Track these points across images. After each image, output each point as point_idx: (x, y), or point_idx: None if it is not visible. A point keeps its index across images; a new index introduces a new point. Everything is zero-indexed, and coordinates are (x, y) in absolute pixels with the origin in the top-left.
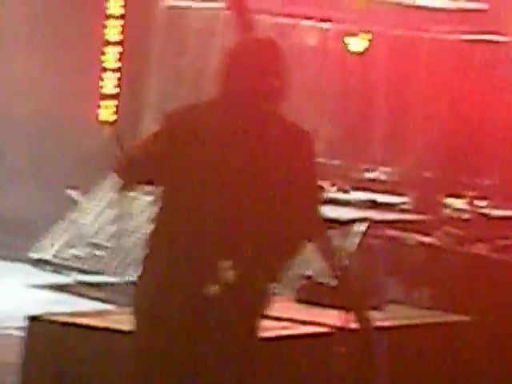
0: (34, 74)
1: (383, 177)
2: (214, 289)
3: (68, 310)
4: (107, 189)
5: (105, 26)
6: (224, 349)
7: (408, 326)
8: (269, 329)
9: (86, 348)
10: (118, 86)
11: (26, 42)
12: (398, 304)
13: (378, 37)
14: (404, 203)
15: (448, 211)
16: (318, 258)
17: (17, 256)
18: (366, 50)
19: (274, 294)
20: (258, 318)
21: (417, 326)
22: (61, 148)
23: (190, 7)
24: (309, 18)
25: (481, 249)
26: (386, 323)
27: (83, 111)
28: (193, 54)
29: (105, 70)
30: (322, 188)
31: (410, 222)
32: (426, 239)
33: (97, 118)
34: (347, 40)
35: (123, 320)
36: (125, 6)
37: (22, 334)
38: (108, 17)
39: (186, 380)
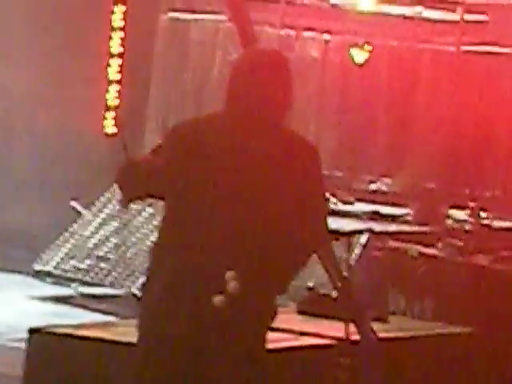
0: (40, 87)
1: (385, 188)
2: (219, 300)
3: (70, 322)
4: (109, 200)
5: (110, 38)
6: (230, 361)
7: (410, 338)
8: (270, 340)
9: (88, 360)
10: (119, 97)
11: (31, 54)
12: (399, 315)
13: (379, 48)
14: (406, 214)
15: (450, 222)
16: (319, 269)
17: (19, 268)
18: (367, 61)
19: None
20: (265, 329)
21: (419, 337)
22: (65, 160)
23: (191, 19)
24: (311, 30)
25: (483, 260)
26: (388, 335)
27: (88, 123)
28: (194, 66)
29: (111, 82)
30: (328, 200)
31: (412, 233)
32: (428, 250)
33: (102, 129)
34: (349, 51)
35: (126, 332)
36: (125, 19)
37: (23, 346)
38: (112, 29)
39: None
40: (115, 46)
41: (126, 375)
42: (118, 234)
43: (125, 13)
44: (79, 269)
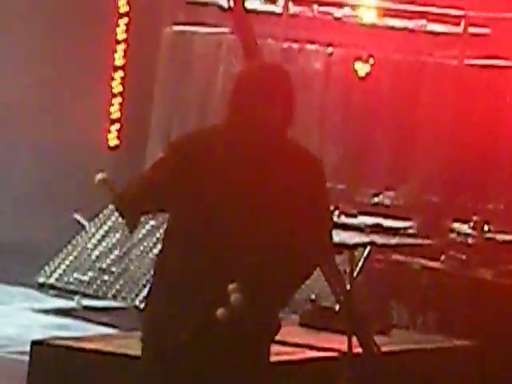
0: (43, 99)
1: (388, 201)
2: (222, 313)
3: (72, 334)
4: (112, 212)
5: (115, 51)
6: (233, 373)
7: (413, 351)
8: (273, 353)
9: (91, 373)
10: (121, 110)
11: (34, 67)
12: (402, 329)
13: (382, 61)
14: (409, 227)
15: (453, 236)
16: (322, 282)
17: (22, 280)
18: (368, 74)
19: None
20: (268, 342)
21: (421, 350)
22: (68, 172)
23: (194, 32)
24: (314, 43)
25: (486, 273)
26: (391, 348)
27: (91, 135)
28: (198, 79)
29: (114, 95)
30: (331, 213)
31: (414, 246)
32: (431, 264)
33: (105, 142)
34: (353, 65)
35: (128, 344)
36: (127, 32)
37: (26, 358)
38: (116, 42)
39: None
40: (119, 59)
41: None
42: (121, 246)
43: (128, 25)
44: (82, 281)
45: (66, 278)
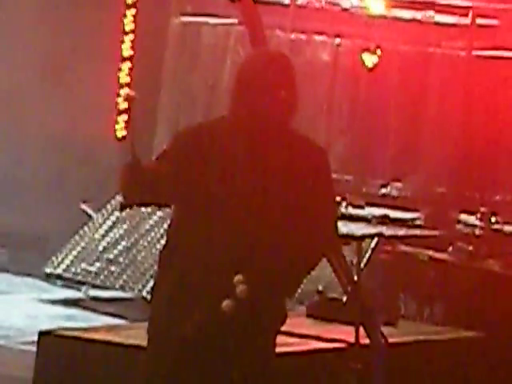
0: (51, 90)
1: (396, 192)
2: (228, 304)
3: (80, 325)
4: (119, 204)
5: (122, 42)
6: (240, 365)
7: (420, 342)
8: (279, 344)
9: (98, 363)
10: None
11: (43, 58)
12: (409, 320)
13: (390, 52)
14: (417, 219)
15: (460, 227)
16: (329, 272)
17: (29, 271)
18: (376, 65)
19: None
20: (274, 333)
21: (429, 341)
22: (75, 163)
23: (202, 23)
24: (322, 34)
25: (493, 265)
26: (398, 339)
27: (99, 126)
28: (205, 69)
29: (121, 85)
30: (338, 203)
31: (422, 237)
32: (439, 255)
33: (113, 133)
34: (361, 56)
35: (135, 335)
36: (135, 22)
37: (33, 349)
38: (124, 33)
39: None
40: (127, 50)
41: (134, 378)
42: (128, 237)
43: (136, 16)
44: (89, 272)
45: (73, 269)
